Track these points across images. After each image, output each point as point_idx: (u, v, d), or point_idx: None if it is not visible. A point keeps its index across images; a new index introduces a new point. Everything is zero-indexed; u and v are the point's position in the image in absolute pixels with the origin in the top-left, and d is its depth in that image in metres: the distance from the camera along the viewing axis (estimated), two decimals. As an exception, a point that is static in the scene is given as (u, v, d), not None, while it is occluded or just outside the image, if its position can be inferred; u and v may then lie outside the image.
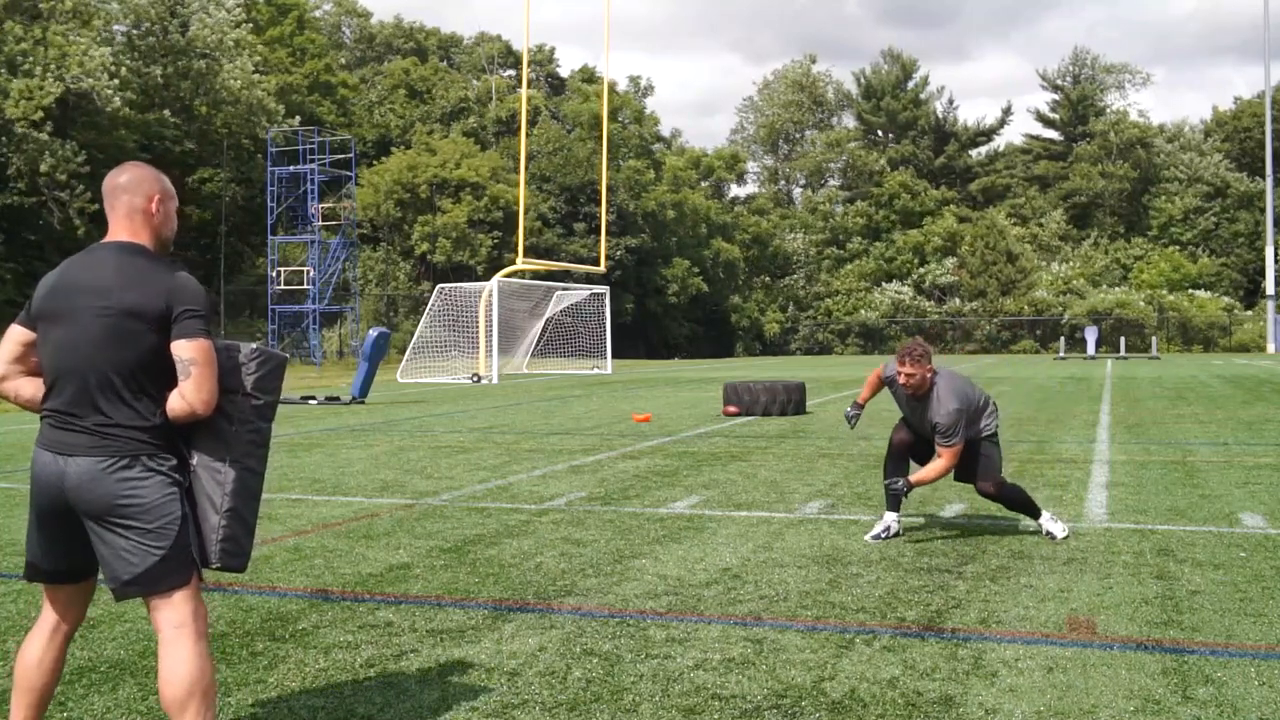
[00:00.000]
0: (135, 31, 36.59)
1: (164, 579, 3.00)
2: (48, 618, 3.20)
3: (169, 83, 38.08)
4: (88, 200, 32.94)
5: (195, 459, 3.12)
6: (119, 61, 34.75)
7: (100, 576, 3.19)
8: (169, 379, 3.03)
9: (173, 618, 3.02)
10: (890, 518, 6.59)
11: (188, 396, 3.00)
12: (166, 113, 38.45)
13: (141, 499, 2.98)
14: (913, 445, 6.68)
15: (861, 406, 7.00)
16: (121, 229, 3.13)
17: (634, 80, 70.81)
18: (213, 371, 3.03)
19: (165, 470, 3.03)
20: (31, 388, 3.16)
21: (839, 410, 16.95)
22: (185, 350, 2.99)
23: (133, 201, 3.13)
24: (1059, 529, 6.54)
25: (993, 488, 6.51)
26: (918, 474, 6.49)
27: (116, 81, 33.96)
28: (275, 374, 3.21)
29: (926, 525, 7.02)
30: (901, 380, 6.39)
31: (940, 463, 6.40)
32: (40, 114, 31.35)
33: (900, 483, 6.44)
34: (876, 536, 6.52)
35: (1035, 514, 6.62)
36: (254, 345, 3.20)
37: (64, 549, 3.12)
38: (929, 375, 6.39)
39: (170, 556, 3.00)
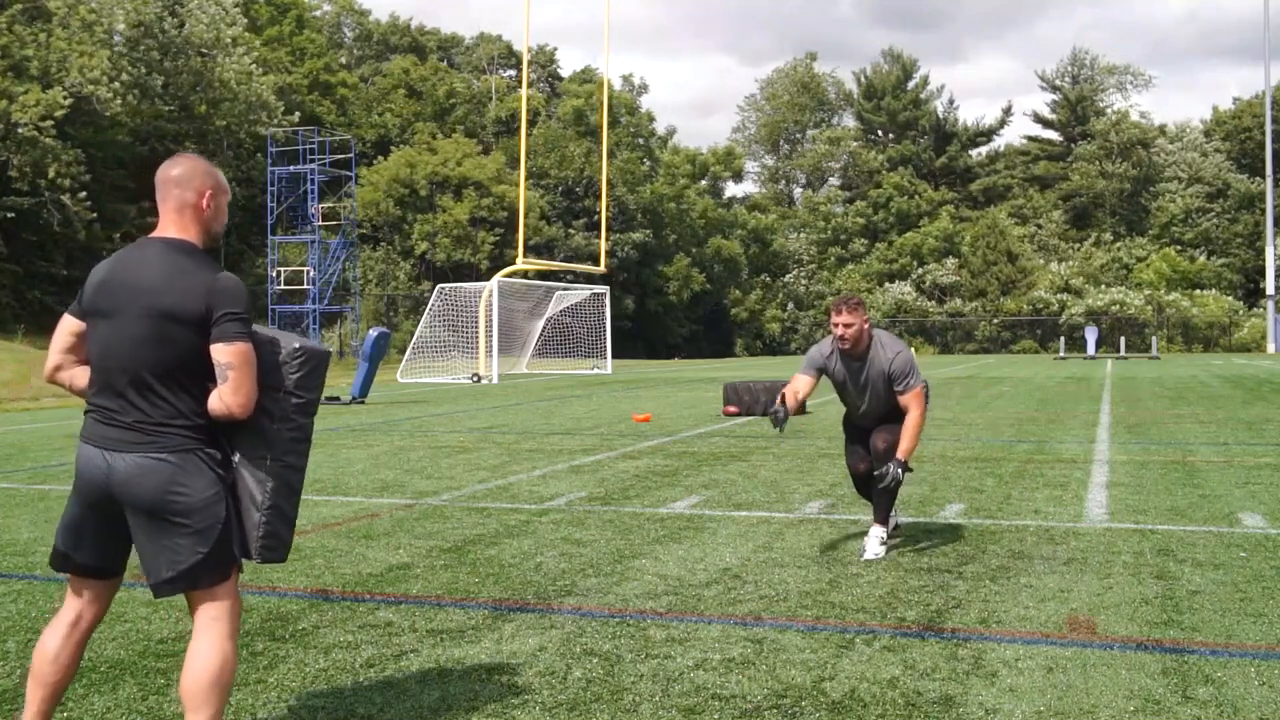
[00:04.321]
0: (135, 32, 36.55)
1: (205, 577, 3.05)
2: (69, 611, 3.22)
3: (167, 81, 38.06)
4: (87, 206, 32.94)
5: (237, 455, 3.14)
6: (118, 66, 34.76)
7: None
8: (210, 378, 3.06)
9: (209, 610, 3.07)
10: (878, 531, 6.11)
11: (225, 399, 3.03)
12: (165, 107, 38.42)
13: (190, 498, 3.01)
14: (868, 473, 6.19)
15: (788, 408, 5.95)
16: (171, 223, 3.15)
17: (626, 79, 71.01)
18: (251, 375, 3.05)
19: (212, 466, 3.07)
20: (85, 377, 3.19)
21: (839, 411, 16.94)
22: (223, 354, 3.01)
23: (184, 196, 3.14)
24: (874, 549, 5.98)
25: (883, 444, 5.99)
26: (903, 445, 5.92)
27: (117, 85, 33.98)
28: (317, 372, 3.22)
29: (926, 525, 7.01)
30: (839, 332, 5.91)
31: (912, 415, 5.94)
32: (50, 122, 31.41)
33: (890, 471, 5.87)
34: (876, 555, 5.99)
35: (884, 514, 6.09)
36: (297, 343, 3.20)
37: (100, 544, 3.15)
38: (865, 327, 6.00)
39: (213, 554, 3.05)
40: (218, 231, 3.23)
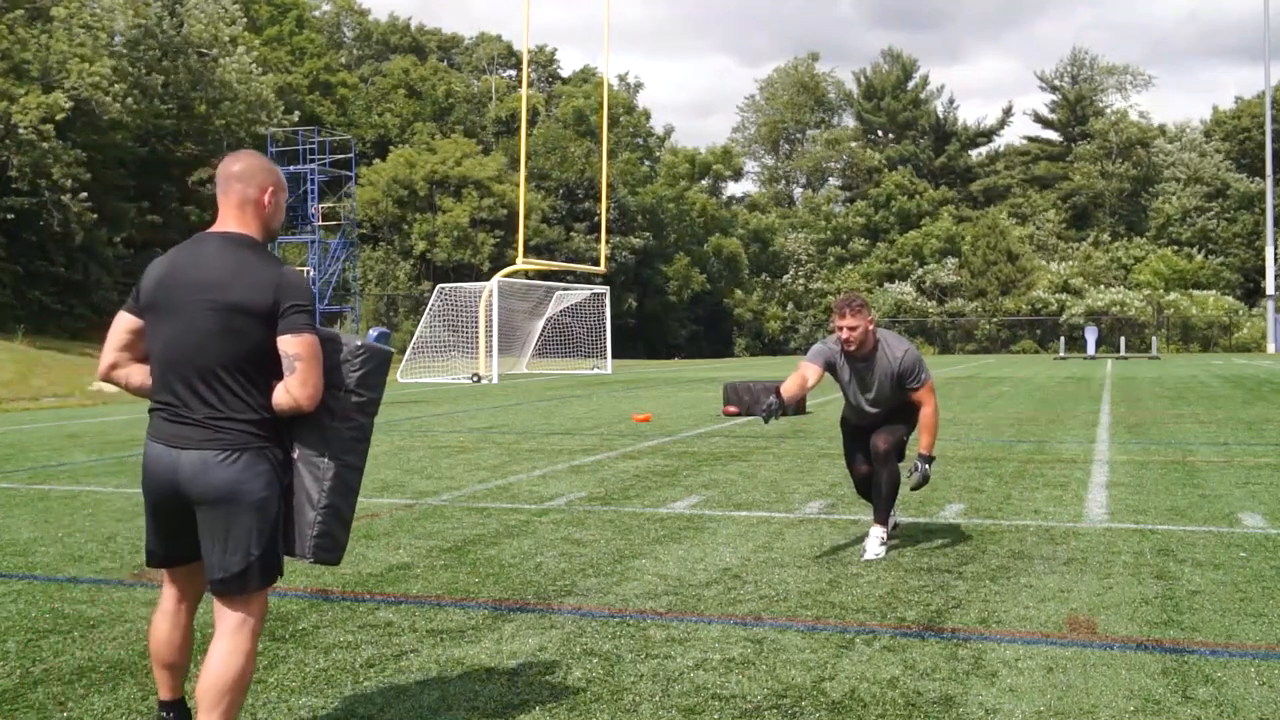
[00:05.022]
0: (135, 33, 36.53)
1: (252, 580, 3.08)
2: (169, 598, 3.28)
3: (167, 80, 38.06)
4: (87, 207, 32.98)
5: (297, 452, 3.16)
6: (121, 69, 34.80)
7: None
8: (276, 372, 3.07)
9: (240, 613, 3.09)
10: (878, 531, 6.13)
11: (293, 391, 3.04)
12: (164, 107, 38.43)
13: (250, 497, 3.03)
14: (870, 476, 6.21)
15: (783, 401, 5.79)
16: (231, 218, 3.17)
17: (621, 78, 71.08)
18: (317, 367, 3.06)
19: (274, 466, 3.09)
20: (141, 374, 3.21)
21: (839, 411, 16.94)
22: (291, 345, 3.03)
23: (246, 191, 3.17)
24: (874, 549, 5.98)
25: (884, 445, 5.98)
26: (925, 440, 5.99)
27: (119, 88, 34.05)
28: (379, 371, 3.24)
29: (926, 525, 7.01)
30: (844, 335, 5.83)
31: (926, 410, 5.95)
32: (50, 126, 31.46)
33: (919, 468, 5.93)
34: (876, 555, 6.02)
35: (884, 514, 6.10)
36: (358, 341, 3.22)
37: (179, 538, 3.19)
38: (870, 328, 5.90)
39: (263, 557, 3.08)
40: (276, 228, 3.27)
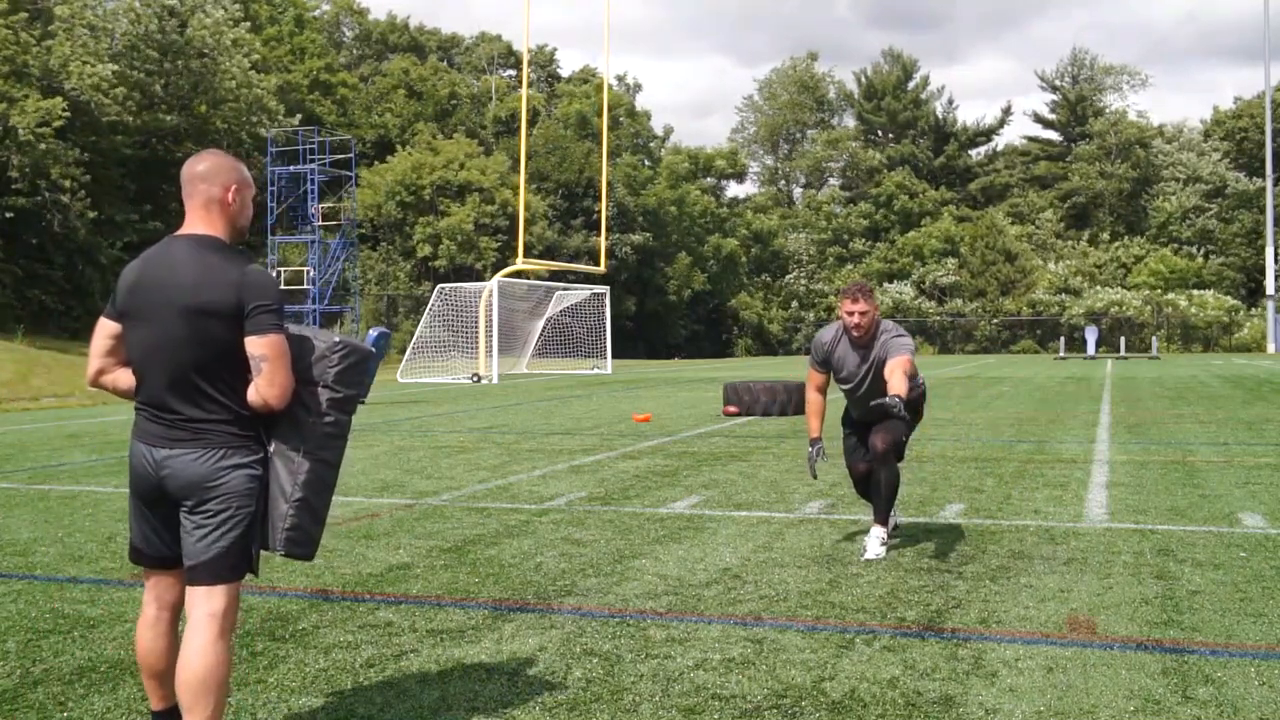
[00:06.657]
0: (135, 32, 36.51)
1: (221, 570, 3.10)
2: (148, 607, 3.32)
3: (167, 82, 38.06)
4: (88, 205, 32.98)
5: (273, 446, 3.19)
6: (123, 71, 34.80)
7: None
8: (249, 371, 3.12)
9: (208, 606, 3.10)
10: (879, 531, 6.12)
11: (261, 391, 3.09)
12: (164, 108, 38.42)
13: (225, 488, 3.08)
14: (869, 474, 6.23)
15: (819, 440, 6.28)
16: (198, 219, 3.20)
17: (621, 79, 71.06)
18: (285, 365, 3.11)
19: (250, 463, 3.13)
20: (128, 378, 3.26)
21: (838, 411, 16.92)
22: (256, 346, 3.07)
23: (210, 191, 3.20)
24: (874, 549, 5.99)
25: (882, 444, 5.95)
26: (896, 386, 5.63)
27: (119, 91, 34.04)
28: (358, 368, 3.26)
29: (926, 525, 7.01)
30: (854, 320, 5.93)
31: (898, 372, 5.71)
32: (47, 128, 31.49)
33: (893, 402, 5.49)
34: (876, 555, 6.01)
35: (884, 514, 6.11)
36: (338, 338, 3.23)
37: (162, 535, 3.22)
38: (876, 314, 6.04)
39: (232, 549, 3.10)
40: (243, 225, 3.29)
